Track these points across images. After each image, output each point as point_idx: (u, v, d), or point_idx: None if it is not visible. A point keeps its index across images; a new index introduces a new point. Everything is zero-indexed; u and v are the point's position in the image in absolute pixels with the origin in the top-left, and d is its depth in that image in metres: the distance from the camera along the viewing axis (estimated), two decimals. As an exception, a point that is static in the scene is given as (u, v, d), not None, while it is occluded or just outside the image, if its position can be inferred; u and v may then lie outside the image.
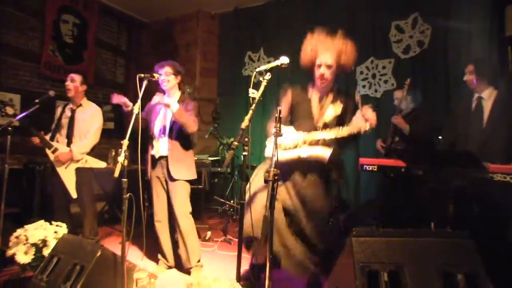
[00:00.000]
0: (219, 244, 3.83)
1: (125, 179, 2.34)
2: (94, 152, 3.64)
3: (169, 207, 2.96)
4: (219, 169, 5.12)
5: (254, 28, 5.64)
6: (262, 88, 2.10)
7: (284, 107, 2.53)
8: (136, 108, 2.45)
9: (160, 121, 2.95)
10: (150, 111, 3.05)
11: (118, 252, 2.26)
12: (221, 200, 4.85)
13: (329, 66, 2.35)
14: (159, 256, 3.07)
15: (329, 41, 2.37)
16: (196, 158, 4.39)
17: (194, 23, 5.98)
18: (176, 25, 6.14)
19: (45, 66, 4.86)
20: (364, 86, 4.80)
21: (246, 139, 2.06)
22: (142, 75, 2.61)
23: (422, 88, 4.13)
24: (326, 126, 2.31)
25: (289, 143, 2.35)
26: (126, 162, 2.33)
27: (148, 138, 3.01)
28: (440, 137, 3.29)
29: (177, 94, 3.00)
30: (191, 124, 2.81)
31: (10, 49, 4.62)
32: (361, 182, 4.65)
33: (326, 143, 2.27)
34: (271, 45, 5.49)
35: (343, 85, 4.86)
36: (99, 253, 2.27)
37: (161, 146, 2.91)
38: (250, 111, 2.07)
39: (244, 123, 2.03)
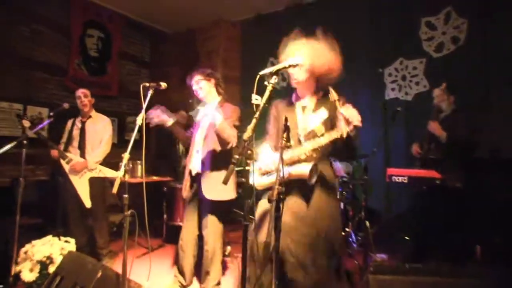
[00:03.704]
0: (239, 260, 3.55)
1: (126, 195, 2.17)
2: (112, 162, 3.54)
3: (199, 225, 2.75)
4: (243, 179, 4.86)
5: (276, 33, 5.35)
6: (267, 93, 1.80)
7: (273, 124, 2.24)
8: (140, 119, 2.28)
9: (197, 135, 2.75)
10: (195, 125, 2.85)
11: (134, 267, 2.09)
12: (241, 213, 4.58)
13: (300, 72, 2.02)
14: (175, 273, 2.86)
15: (300, 42, 2.07)
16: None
17: (216, 31, 5.83)
18: (199, 34, 6.03)
19: (71, 79, 4.88)
20: (393, 89, 4.40)
21: (249, 151, 1.80)
22: (147, 84, 2.42)
23: (458, 89, 3.66)
24: (313, 134, 1.98)
25: (269, 166, 2.03)
26: (127, 177, 2.17)
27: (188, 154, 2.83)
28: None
29: (216, 99, 2.73)
30: (231, 140, 2.50)
31: (38, 65, 4.70)
32: (392, 192, 4.22)
33: (310, 157, 1.93)
34: (294, 50, 5.21)
35: (370, 88, 4.51)
36: (99, 274, 2.16)
37: (197, 162, 2.70)
38: (254, 120, 1.78)
39: (247, 134, 1.75)
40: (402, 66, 4.35)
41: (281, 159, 1.65)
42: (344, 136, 1.76)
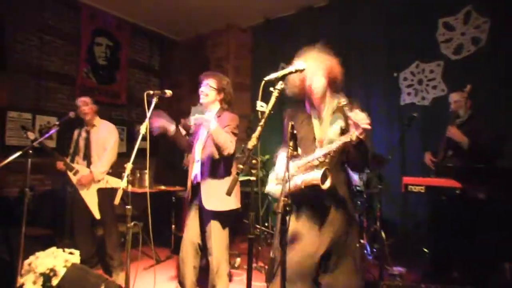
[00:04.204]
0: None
1: (128, 206, 2.15)
2: (120, 172, 3.55)
3: (202, 237, 2.71)
4: (255, 189, 4.80)
5: (287, 38, 5.35)
6: (273, 99, 1.77)
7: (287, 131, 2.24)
8: (143, 128, 2.28)
9: (198, 143, 2.72)
10: (195, 133, 2.83)
11: (140, 279, 2.06)
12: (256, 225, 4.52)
13: (319, 87, 2.07)
14: (177, 284, 2.81)
15: (316, 59, 2.09)
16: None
17: (225, 37, 5.83)
18: (208, 41, 6.04)
19: (80, 88, 4.95)
20: (409, 94, 4.29)
21: (254, 161, 1.75)
22: (151, 92, 2.43)
23: (479, 93, 3.55)
24: (331, 142, 1.97)
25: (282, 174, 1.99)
26: (129, 188, 2.15)
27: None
28: None
29: (216, 108, 2.71)
30: (228, 146, 2.45)
31: (48, 74, 4.78)
32: (408, 201, 4.10)
33: (323, 164, 1.92)
34: (305, 55, 5.16)
35: (384, 94, 4.43)
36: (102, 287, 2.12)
37: (197, 171, 2.67)
38: (259, 128, 1.75)
39: (251, 143, 1.71)
40: (418, 69, 4.23)
41: (287, 168, 1.61)
42: (354, 139, 1.76)
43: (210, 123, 2.42)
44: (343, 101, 1.94)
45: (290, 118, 2.20)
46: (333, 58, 2.10)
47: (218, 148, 2.46)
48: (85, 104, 3.48)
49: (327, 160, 1.92)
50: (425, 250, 3.47)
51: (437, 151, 3.28)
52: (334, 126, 2.01)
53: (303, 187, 1.91)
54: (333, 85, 2.11)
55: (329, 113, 2.07)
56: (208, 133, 2.51)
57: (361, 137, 1.75)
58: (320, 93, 2.07)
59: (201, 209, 2.64)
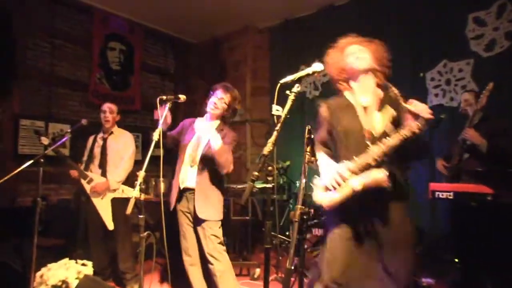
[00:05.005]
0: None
1: (142, 216, 2.18)
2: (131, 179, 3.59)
3: (198, 245, 2.74)
4: (274, 196, 4.80)
5: (306, 39, 5.34)
6: (289, 103, 1.76)
7: (322, 128, 2.13)
8: (156, 135, 2.32)
9: (192, 147, 2.74)
10: (185, 130, 2.85)
11: None
12: (272, 232, 4.51)
13: (362, 58, 1.98)
14: None
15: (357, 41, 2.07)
16: (241, 186, 4.15)
17: (242, 39, 5.86)
18: (224, 43, 6.08)
19: (93, 94, 5.05)
20: (436, 95, 4.21)
21: (270, 168, 1.76)
22: (164, 97, 2.49)
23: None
24: (384, 135, 1.85)
25: (331, 179, 1.88)
26: (142, 196, 2.18)
27: (175, 163, 2.83)
28: None
29: (217, 122, 2.78)
30: (228, 166, 2.59)
31: (60, 80, 4.89)
32: (437, 208, 4.00)
33: (381, 162, 1.80)
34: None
35: (410, 95, 4.34)
36: (114, 301, 2.14)
37: (189, 176, 2.70)
38: (275, 133, 1.73)
39: (267, 148, 1.70)
40: (446, 69, 4.16)
41: (304, 175, 1.59)
42: (417, 132, 1.70)
43: (215, 141, 2.52)
44: (396, 91, 1.84)
45: (329, 109, 2.09)
46: (377, 41, 2.07)
47: (218, 165, 2.58)
48: (111, 112, 3.54)
49: (385, 159, 1.79)
50: (456, 260, 3.38)
51: (449, 156, 3.25)
52: (382, 116, 1.90)
53: (359, 189, 1.77)
54: (379, 71, 2.04)
55: (375, 102, 1.96)
56: (209, 141, 2.58)
57: (423, 128, 1.69)
58: (365, 66, 1.99)
59: (194, 216, 2.68)
